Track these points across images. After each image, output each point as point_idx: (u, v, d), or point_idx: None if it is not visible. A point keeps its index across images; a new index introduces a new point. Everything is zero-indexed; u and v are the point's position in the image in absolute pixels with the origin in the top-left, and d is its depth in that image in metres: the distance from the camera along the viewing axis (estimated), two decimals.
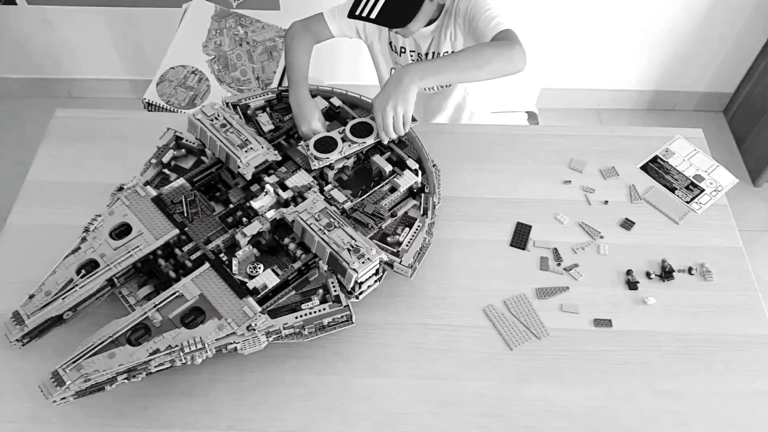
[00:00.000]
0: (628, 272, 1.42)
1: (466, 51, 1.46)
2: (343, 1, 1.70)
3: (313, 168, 1.44)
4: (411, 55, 1.76)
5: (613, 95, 2.93)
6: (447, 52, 1.70)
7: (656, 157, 1.63)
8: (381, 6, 1.48)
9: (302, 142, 1.48)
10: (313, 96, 1.62)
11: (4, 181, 2.50)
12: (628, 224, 1.51)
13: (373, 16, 1.49)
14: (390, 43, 1.78)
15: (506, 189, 1.57)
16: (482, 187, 1.57)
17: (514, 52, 1.43)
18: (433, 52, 1.72)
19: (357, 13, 1.50)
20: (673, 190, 1.57)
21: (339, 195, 1.41)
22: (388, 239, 1.36)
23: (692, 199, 1.55)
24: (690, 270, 1.42)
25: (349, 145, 1.47)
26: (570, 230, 1.50)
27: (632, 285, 1.40)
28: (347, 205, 1.39)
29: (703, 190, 1.57)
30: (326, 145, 1.46)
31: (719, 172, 1.60)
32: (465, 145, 1.65)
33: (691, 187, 1.57)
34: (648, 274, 1.42)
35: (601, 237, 1.48)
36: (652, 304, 1.37)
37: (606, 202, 1.54)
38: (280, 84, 2.36)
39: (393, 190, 1.44)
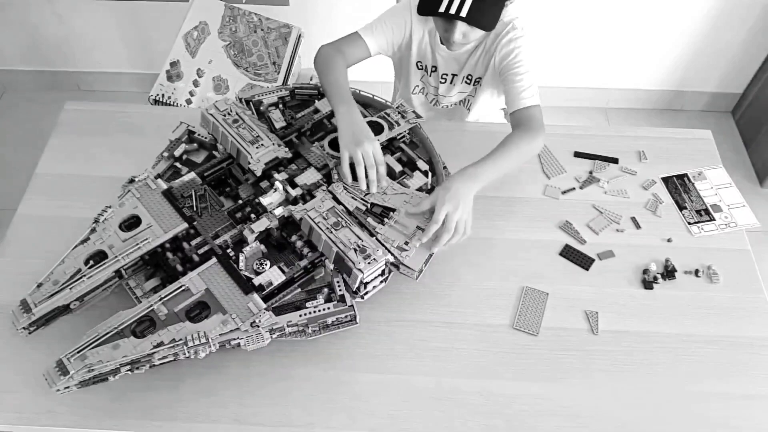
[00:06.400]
0: (645, 271, 1.42)
1: (506, 152, 1.44)
2: (370, 19, 1.66)
3: (331, 166, 1.44)
4: (444, 78, 1.73)
5: (621, 94, 2.92)
6: (470, 75, 1.69)
7: (685, 174, 1.61)
8: (470, 4, 1.41)
9: (317, 143, 1.47)
10: None
11: (14, 173, 2.51)
12: (636, 224, 1.50)
13: (463, 14, 1.41)
14: (418, 62, 1.74)
15: (513, 187, 1.57)
16: (489, 185, 1.56)
17: (539, 142, 1.49)
18: (453, 75, 1.71)
19: (441, 10, 1.42)
20: (682, 208, 1.55)
21: (347, 195, 1.41)
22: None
23: (696, 223, 1.52)
24: (696, 272, 1.42)
25: None
26: (578, 230, 1.49)
27: (648, 284, 1.40)
28: (355, 205, 1.39)
29: (713, 220, 1.53)
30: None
31: (742, 211, 1.55)
32: (473, 143, 1.64)
33: (702, 212, 1.54)
34: (654, 276, 1.42)
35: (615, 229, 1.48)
36: (658, 305, 1.37)
37: (614, 197, 1.55)
38: (285, 81, 2.37)
39: None
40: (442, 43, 1.64)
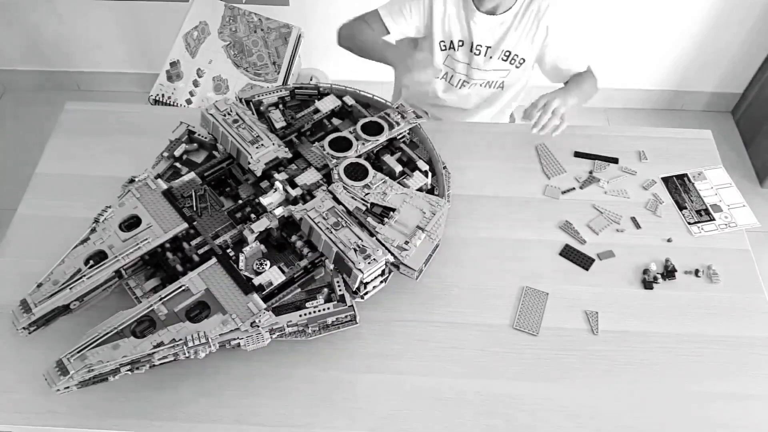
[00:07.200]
0: (645, 271, 1.42)
1: (588, 84, 1.72)
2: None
3: (331, 167, 1.44)
4: (478, 50, 1.70)
5: (622, 94, 2.92)
6: (508, 51, 1.70)
7: (685, 174, 1.61)
8: None
9: (317, 143, 1.48)
10: (326, 94, 1.61)
11: (14, 173, 2.51)
12: (635, 224, 1.50)
13: None
14: (441, 42, 1.72)
15: (513, 187, 1.57)
16: (489, 185, 1.57)
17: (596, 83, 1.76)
18: (488, 47, 1.69)
19: None
20: (682, 208, 1.55)
21: (347, 195, 1.41)
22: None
23: (696, 223, 1.52)
24: (696, 272, 1.42)
25: (363, 144, 1.47)
26: (578, 230, 1.49)
27: (648, 284, 1.40)
28: (355, 205, 1.39)
29: (713, 220, 1.53)
30: (340, 144, 1.47)
31: (742, 211, 1.55)
32: (473, 143, 1.65)
33: (702, 212, 1.54)
34: (654, 276, 1.42)
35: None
36: (658, 305, 1.37)
37: (614, 197, 1.54)
38: (285, 81, 2.37)
39: None
40: (476, 8, 1.64)
